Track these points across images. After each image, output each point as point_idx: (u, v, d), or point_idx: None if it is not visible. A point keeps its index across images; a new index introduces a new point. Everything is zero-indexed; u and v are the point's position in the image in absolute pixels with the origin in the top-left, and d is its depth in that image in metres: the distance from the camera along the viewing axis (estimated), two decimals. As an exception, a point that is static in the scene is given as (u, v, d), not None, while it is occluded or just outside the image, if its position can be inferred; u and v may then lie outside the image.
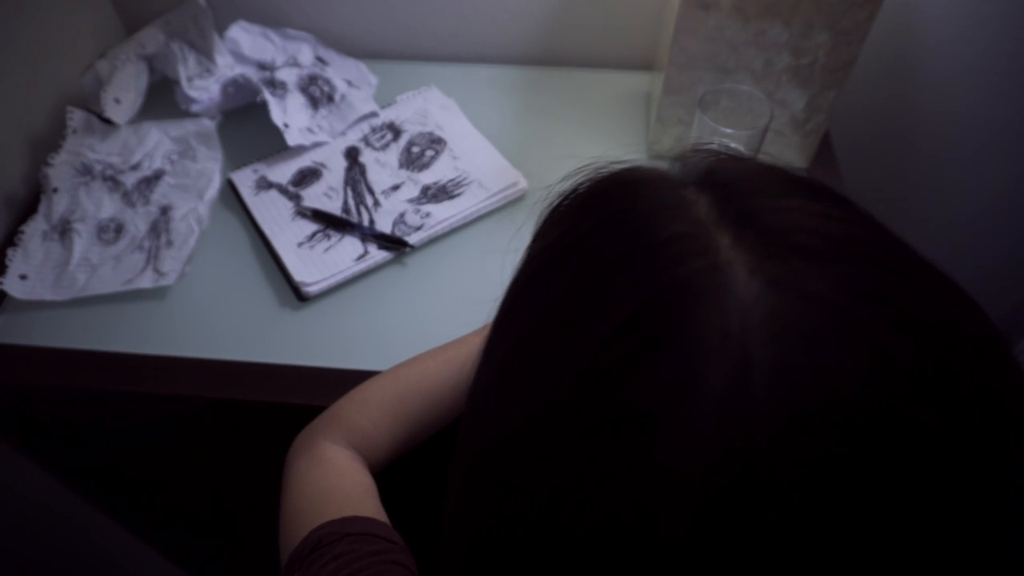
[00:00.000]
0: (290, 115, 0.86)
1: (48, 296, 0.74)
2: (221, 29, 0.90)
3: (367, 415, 0.57)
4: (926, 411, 0.21)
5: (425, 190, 0.81)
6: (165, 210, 0.80)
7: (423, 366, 0.59)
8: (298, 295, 0.74)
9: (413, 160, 0.84)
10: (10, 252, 0.77)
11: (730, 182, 0.27)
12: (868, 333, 0.22)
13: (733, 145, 0.72)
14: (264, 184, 0.83)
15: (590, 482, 0.23)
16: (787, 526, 0.20)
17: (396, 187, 0.82)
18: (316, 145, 0.86)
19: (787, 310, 0.22)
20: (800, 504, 0.20)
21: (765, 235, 0.24)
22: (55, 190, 0.81)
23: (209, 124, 0.86)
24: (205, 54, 0.89)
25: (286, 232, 0.78)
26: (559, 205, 0.31)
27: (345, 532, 0.45)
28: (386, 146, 0.86)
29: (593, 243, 0.27)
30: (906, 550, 0.21)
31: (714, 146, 0.30)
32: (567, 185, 0.31)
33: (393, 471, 0.59)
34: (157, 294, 0.75)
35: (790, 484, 0.20)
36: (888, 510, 0.20)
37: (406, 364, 0.60)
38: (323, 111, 0.88)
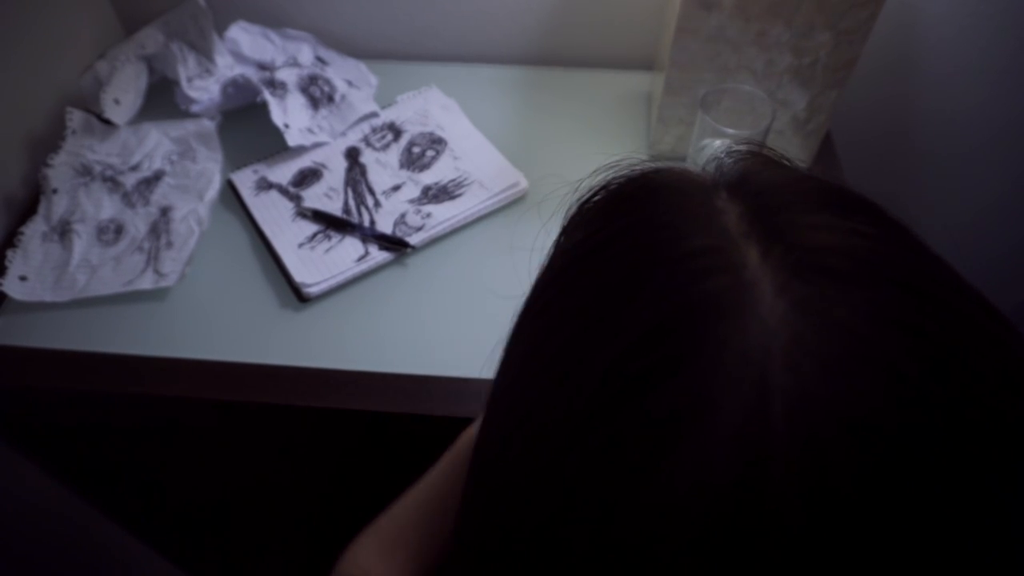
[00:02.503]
0: (290, 115, 0.86)
1: (48, 297, 0.74)
2: (221, 29, 0.90)
3: (395, 566, 0.51)
4: (945, 447, 0.21)
5: (426, 190, 0.81)
6: (165, 211, 0.79)
7: (449, 498, 0.52)
8: (299, 296, 0.73)
9: (414, 160, 0.84)
10: (9, 253, 0.76)
11: (763, 191, 0.26)
12: (889, 363, 0.21)
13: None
14: (264, 185, 0.82)
15: (597, 495, 0.22)
16: (791, 555, 0.20)
17: (397, 187, 0.81)
18: (316, 145, 0.86)
19: (809, 336, 0.21)
20: (806, 535, 0.20)
21: (793, 253, 0.23)
22: (55, 191, 0.81)
23: (209, 124, 0.86)
24: (205, 54, 0.88)
25: (286, 233, 0.78)
26: (587, 202, 0.30)
27: None
28: (387, 146, 0.86)
29: (616, 249, 0.26)
30: None
31: (751, 147, 0.30)
32: (596, 180, 0.30)
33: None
34: (157, 295, 0.74)
35: (799, 515, 0.20)
36: (896, 547, 0.20)
37: (428, 489, 0.53)
38: (323, 111, 0.88)
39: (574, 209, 0.30)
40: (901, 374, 0.21)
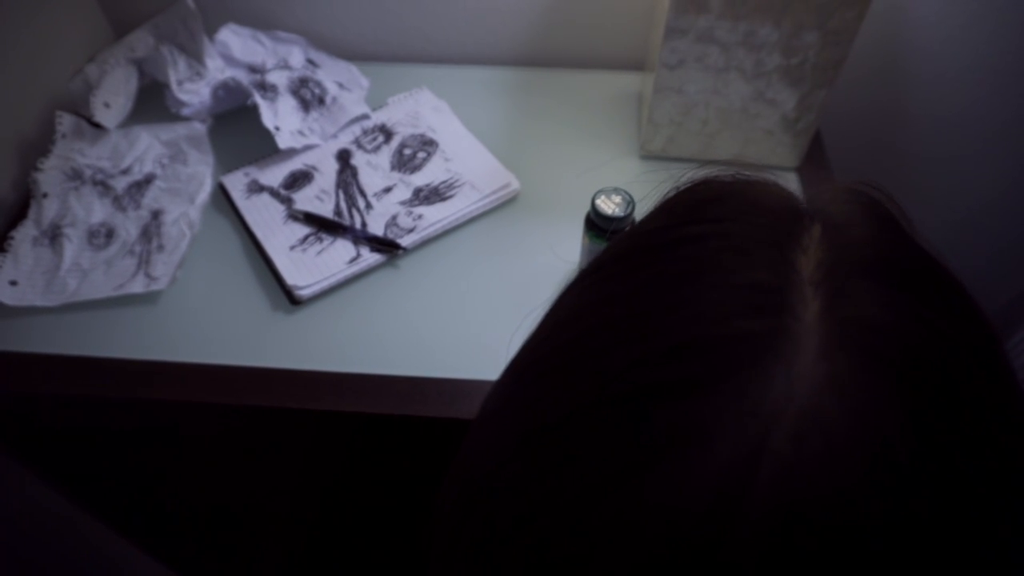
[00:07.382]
0: (281, 118, 0.86)
1: (39, 302, 0.73)
2: (211, 32, 0.90)
3: None
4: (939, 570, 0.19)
5: (417, 192, 0.81)
6: (156, 214, 0.79)
7: None
8: (290, 299, 0.73)
9: (405, 162, 0.84)
10: (0, 258, 0.76)
11: (852, 246, 0.24)
12: (900, 481, 0.19)
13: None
14: (255, 187, 0.82)
15: (572, 496, 0.22)
16: None
17: (388, 189, 0.81)
18: (307, 148, 0.86)
19: (829, 415, 0.20)
20: None
21: (852, 325, 0.22)
22: (45, 195, 0.81)
23: (200, 128, 0.86)
24: (195, 57, 0.88)
25: (278, 235, 0.78)
26: (682, 192, 0.29)
27: None
28: (378, 148, 0.86)
29: (684, 251, 0.25)
30: None
31: (871, 190, 0.29)
32: (699, 173, 0.29)
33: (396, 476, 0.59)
34: (149, 299, 0.74)
35: None
36: None
37: None
38: (314, 114, 0.88)
39: (663, 196, 0.29)
40: (909, 500, 0.19)
